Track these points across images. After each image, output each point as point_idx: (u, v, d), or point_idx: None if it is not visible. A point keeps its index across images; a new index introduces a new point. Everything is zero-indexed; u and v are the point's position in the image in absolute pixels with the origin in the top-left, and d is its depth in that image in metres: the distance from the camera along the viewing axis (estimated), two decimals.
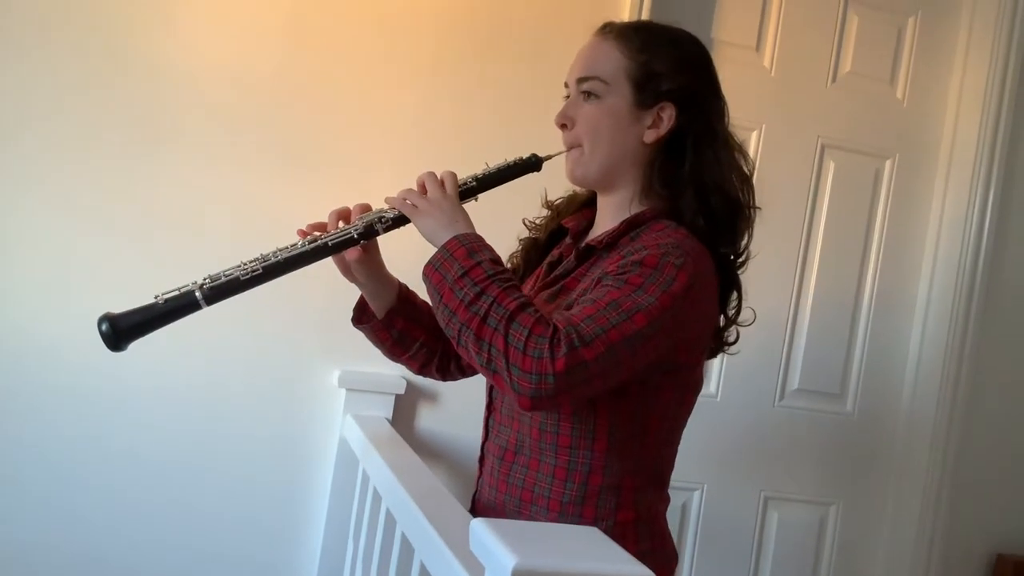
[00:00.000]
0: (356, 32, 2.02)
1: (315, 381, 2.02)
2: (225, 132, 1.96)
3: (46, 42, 1.86)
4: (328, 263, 1.34)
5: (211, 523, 1.97)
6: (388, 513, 1.47)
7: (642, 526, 1.26)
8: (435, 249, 1.17)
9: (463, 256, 1.13)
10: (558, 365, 1.03)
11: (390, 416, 2.03)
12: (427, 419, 2.11)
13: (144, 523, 1.93)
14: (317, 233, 1.27)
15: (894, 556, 2.47)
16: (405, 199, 1.23)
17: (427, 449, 2.08)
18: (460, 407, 2.08)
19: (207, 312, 1.94)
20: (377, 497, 1.60)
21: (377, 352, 1.49)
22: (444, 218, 1.19)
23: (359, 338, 1.48)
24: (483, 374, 1.11)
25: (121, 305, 1.85)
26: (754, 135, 2.38)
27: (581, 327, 1.06)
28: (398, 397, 2.04)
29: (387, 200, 1.26)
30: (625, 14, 2.13)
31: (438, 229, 1.18)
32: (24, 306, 1.87)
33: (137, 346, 1.41)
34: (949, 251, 2.45)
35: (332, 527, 1.99)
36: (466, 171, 1.30)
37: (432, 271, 1.14)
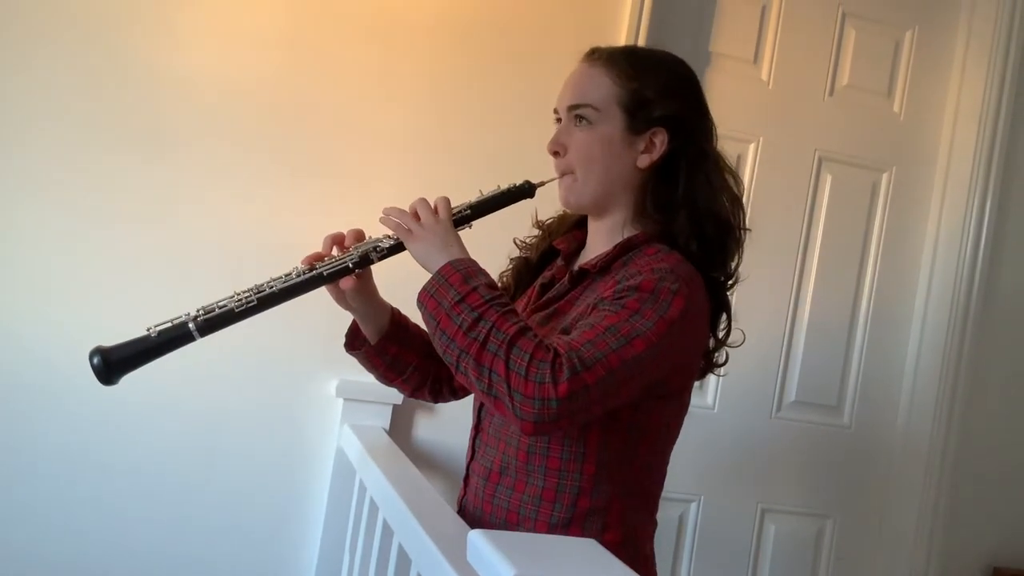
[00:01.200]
0: (354, 45, 2.02)
1: (313, 391, 2.02)
2: (224, 142, 1.96)
3: (48, 51, 1.86)
4: None
5: (207, 532, 1.96)
6: (385, 524, 1.47)
7: (628, 548, 1.25)
8: (429, 274, 1.17)
9: (459, 282, 1.12)
10: (561, 390, 1.03)
11: (387, 426, 2.03)
12: (424, 429, 2.11)
13: (140, 533, 1.93)
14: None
15: (891, 569, 2.47)
16: (399, 222, 1.23)
17: (424, 459, 2.08)
18: (457, 418, 2.07)
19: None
20: (374, 507, 1.60)
21: None
22: (437, 242, 1.19)
23: None
24: (484, 401, 1.11)
25: (118, 314, 1.86)
26: (751, 148, 2.39)
27: (582, 351, 1.07)
28: (395, 407, 2.04)
29: (381, 219, 1.25)
30: (623, 30, 2.14)
31: (431, 253, 1.18)
32: (19, 315, 1.87)
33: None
34: (946, 264, 2.45)
35: (329, 537, 1.99)
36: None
37: (427, 297, 1.14)
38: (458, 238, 1.22)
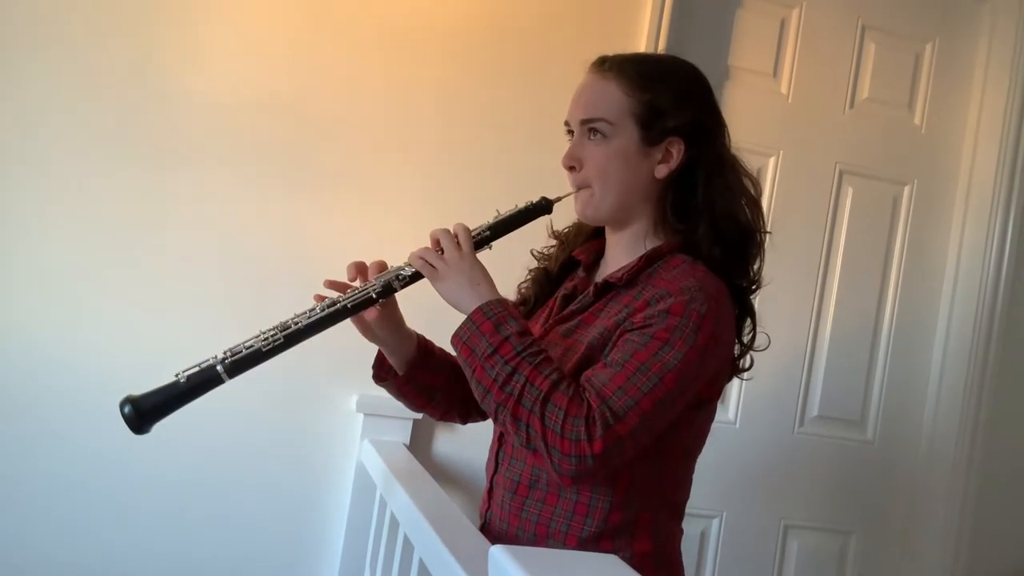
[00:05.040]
0: (370, 57, 2.04)
1: (333, 406, 2.03)
2: (243, 154, 1.97)
3: (71, 65, 1.89)
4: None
5: (228, 546, 1.97)
6: (406, 539, 1.47)
7: (658, 558, 1.26)
8: (455, 307, 1.19)
9: (490, 331, 1.14)
10: (596, 447, 1.05)
11: (408, 441, 2.03)
12: (444, 445, 2.10)
13: (160, 545, 1.93)
14: (336, 294, 1.25)
15: None
16: (424, 260, 1.22)
17: (444, 475, 2.08)
18: (477, 433, 2.06)
19: (225, 336, 1.95)
20: (395, 523, 1.60)
21: None
22: (464, 279, 1.19)
23: None
24: (523, 451, 1.13)
25: (132, 319, 1.88)
26: (771, 161, 2.38)
27: (613, 401, 1.08)
28: (416, 422, 2.04)
29: (410, 255, 1.25)
30: (642, 45, 2.15)
31: (460, 295, 1.19)
32: (50, 332, 1.88)
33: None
34: (969, 277, 2.43)
35: (349, 552, 1.99)
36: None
37: (460, 344, 1.16)
38: (484, 272, 1.21)
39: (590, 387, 1.11)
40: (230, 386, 1.93)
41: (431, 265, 1.21)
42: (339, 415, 2.03)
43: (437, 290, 1.21)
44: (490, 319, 1.15)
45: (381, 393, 1.99)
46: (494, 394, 1.11)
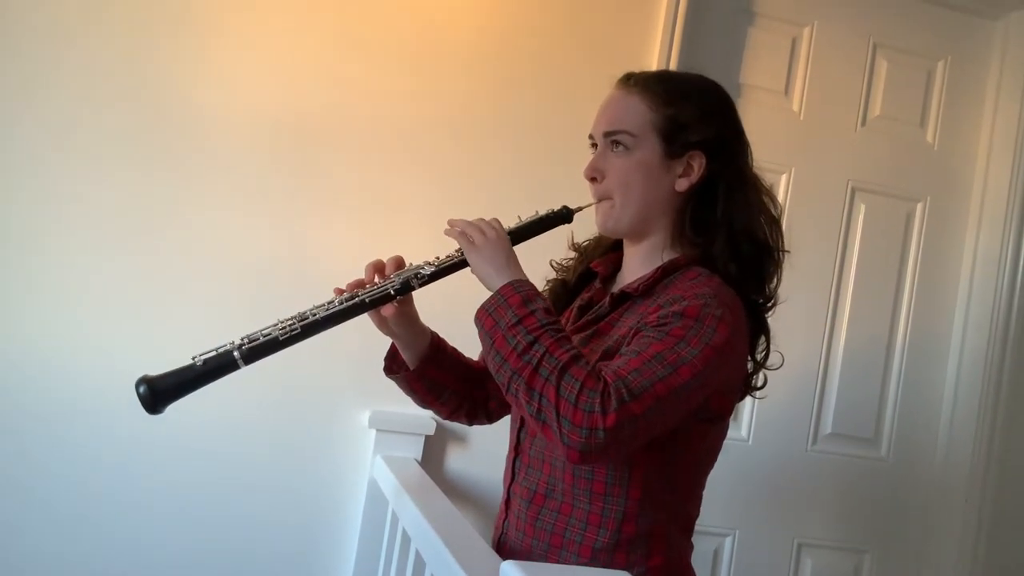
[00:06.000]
0: (389, 74, 2.05)
1: (345, 422, 2.03)
2: (253, 164, 1.99)
3: (92, 87, 1.91)
4: None
5: (239, 561, 1.97)
6: (417, 555, 1.47)
7: (672, 572, 1.26)
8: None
9: (517, 304, 1.14)
10: (609, 420, 1.04)
11: (420, 457, 2.03)
12: (456, 460, 2.11)
13: (171, 561, 1.94)
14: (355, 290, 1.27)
15: None
16: (463, 231, 1.24)
17: (456, 491, 2.08)
18: (489, 449, 2.08)
19: (227, 339, 1.97)
20: (406, 539, 1.60)
21: None
22: (500, 258, 1.21)
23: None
24: (532, 424, 1.12)
25: (133, 322, 1.89)
26: (783, 178, 2.39)
27: (629, 380, 1.07)
28: (428, 438, 2.05)
29: (446, 231, 1.26)
30: (653, 62, 2.16)
31: (492, 271, 1.20)
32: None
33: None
34: (982, 294, 2.42)
35: (361, 568, 1.99)
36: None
37: (485, 315, 1.16)
38: (516, 257, 1.23)
39: (607, 369, 1.11)
40: (242, 401, 1.96)
41: (469, 238, 1.23)
42: (351, 431, 2.03)
43: (470, 262, 1.23)
44: (519, 293, 1.15)
45: (393, 409, 2.02)
46: (511, 362, 1.10)
